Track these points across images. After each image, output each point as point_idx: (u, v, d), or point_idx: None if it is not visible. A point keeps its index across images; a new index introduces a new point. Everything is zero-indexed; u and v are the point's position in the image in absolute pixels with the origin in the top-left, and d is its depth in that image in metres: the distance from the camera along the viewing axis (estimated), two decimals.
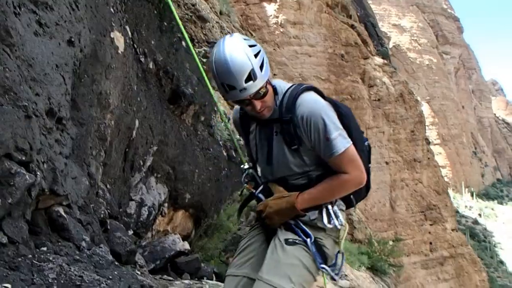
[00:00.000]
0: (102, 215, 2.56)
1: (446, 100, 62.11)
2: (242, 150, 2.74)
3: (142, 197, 3.89)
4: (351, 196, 2.30)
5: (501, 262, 58.16)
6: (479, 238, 55.98)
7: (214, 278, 4.68)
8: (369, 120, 24.01)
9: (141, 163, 3.72)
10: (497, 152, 77.24)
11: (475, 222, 58.73)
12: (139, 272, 2.75)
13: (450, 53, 75.56)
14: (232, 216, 5.62)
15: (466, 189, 62.23)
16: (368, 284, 10.33)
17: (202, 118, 5.18)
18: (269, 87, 2.10)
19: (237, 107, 2.34)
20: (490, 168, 75.11)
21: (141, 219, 3.89)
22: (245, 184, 2.40)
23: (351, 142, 2.10)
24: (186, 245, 4.23)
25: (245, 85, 1.96)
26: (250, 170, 2.40)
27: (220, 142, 5.80)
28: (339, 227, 2.16)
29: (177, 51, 4.51)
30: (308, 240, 2.10)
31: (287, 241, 2.11)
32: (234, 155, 6.19)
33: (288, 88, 2.17)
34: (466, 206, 61.09)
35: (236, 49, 1.97)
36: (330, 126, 2.04)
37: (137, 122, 3.39)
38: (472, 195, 63.00)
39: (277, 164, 2.21)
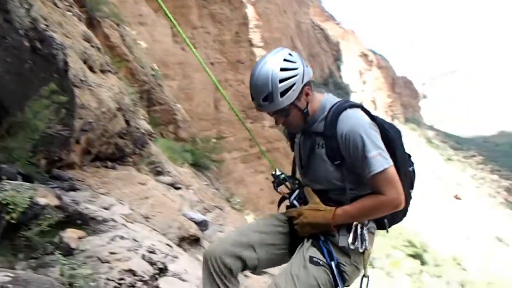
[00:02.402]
0: None
1: (270, 4, 64.37)
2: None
3: None
4: (385, 219, 2.33)
5: None
6: None
7: (21, 179, 4.37)
8: (195, 20, 23.71)
9: None
10: (312, 55, 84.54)
11: None
12: None
13: None
14: (40, 113, 5.17)
15: None
16: (190, 179, 10.84)
17: None
18: (294, 110, 2.19)
19: None
20: None
21: None
22: (277, 190, 2.47)
23: (392, 164, 2.12)
24: None
25: (262, 103, 2.15)
26: (282, 176, 2.48)
27: (21, 31, 5.10)
28: (361, 250, 2.20)
29: None
30: (332, 263, 2.15)
31: (311, 259, 2.17)
32: (40, 47, 5.55)
33: (336, 103, 2.24)
34: None
35: (265, 70, 2.11)
36: (368, 145, 2.08)
37: None
38: None
39: (317, 176, 2.28)
